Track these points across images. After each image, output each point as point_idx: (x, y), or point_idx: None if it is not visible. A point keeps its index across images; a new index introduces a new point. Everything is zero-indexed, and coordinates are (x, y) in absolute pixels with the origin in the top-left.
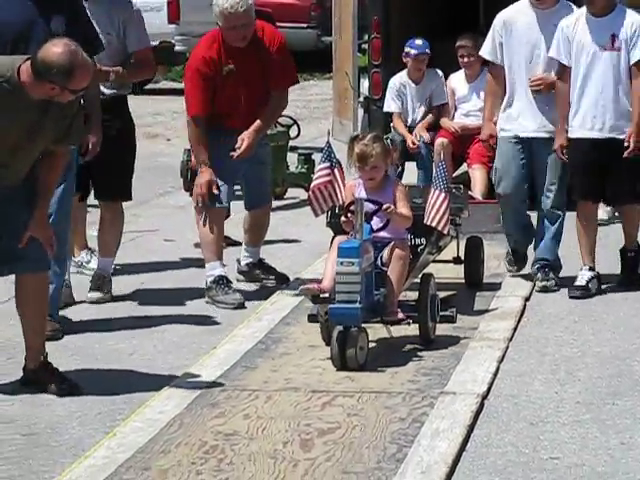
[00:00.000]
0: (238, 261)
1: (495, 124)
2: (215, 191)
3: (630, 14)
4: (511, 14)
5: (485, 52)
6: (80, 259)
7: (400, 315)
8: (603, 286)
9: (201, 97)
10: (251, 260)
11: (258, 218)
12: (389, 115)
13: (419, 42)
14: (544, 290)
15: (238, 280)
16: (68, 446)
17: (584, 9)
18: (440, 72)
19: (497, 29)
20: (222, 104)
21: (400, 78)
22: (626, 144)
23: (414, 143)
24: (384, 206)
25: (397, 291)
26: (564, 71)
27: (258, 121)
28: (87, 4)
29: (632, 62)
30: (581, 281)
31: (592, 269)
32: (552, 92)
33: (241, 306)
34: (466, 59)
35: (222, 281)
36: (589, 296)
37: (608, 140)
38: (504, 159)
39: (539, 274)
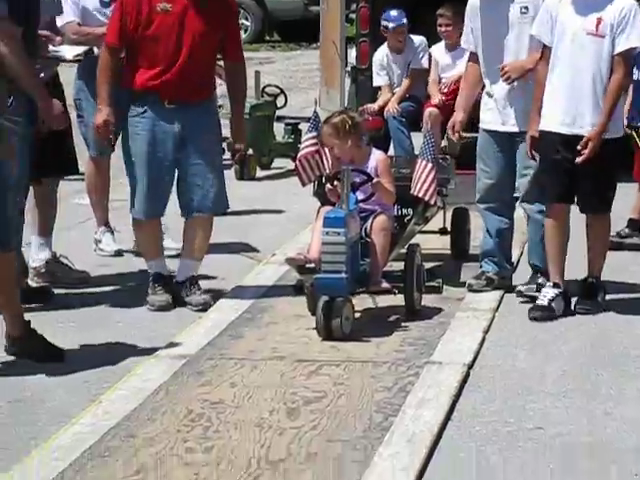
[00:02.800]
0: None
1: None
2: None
3: None
4: None
5: (462, 40)
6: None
7: (385, 285)
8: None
9: (119, 24)
10: (185, 275)
11: (196, 224)
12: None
13: (394, 13)
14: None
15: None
16: (54, 413)
17: None
18: (420, 38)
19: (468, 14)
20: (148, 54)
21: (382, 51)
22: (579, 147)
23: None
24: (374, 181)
25: (382, 261)
26: (545, 52)
27: (236, 105)
28: None
29: (615, 52)
30: (542, 300)
31: (557, 285)
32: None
33: (162, 309)
34: (444, 28)
35: (156, 280)
36: (551, 318)
37: (577, 137)
38: (483, 153)
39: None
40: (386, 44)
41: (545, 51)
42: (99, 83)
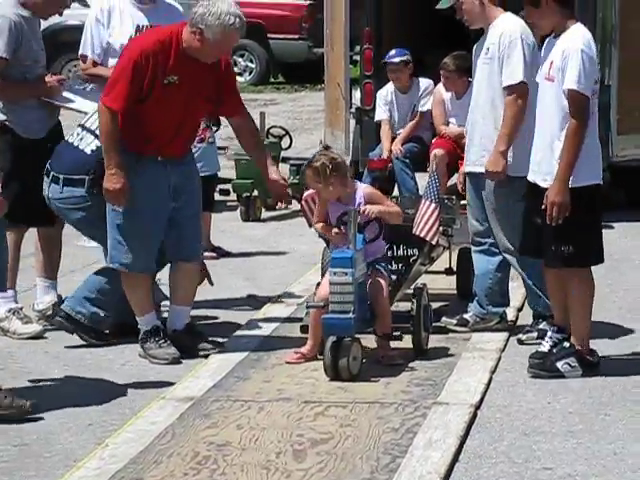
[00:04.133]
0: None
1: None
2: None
3: (569, 37)
4: None
5: None
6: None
7: (395, 334)
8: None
9: (127, 92)
10: (183, 323)
11: (188, 272)
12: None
13: (392, 52)
14: (520, 343)
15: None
16: (60, 457)
17: None
18: (428, 81)
19: None
20: (148, 122)
21: (388, 88)
22: (544, 206)
23: (388, 156)
24: (361, 209)
25: (386, 321)
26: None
27: (266, 155)
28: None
29: (563, 88)
30: (544, 346)
31: (562, 330)
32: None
33: (176, 361)
34: (443, 78)
35: (156, 333)
36: (552, 370)
37: (535, 186)
38: (468, 194)
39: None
40: (392, 83)
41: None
42: (110, 148)
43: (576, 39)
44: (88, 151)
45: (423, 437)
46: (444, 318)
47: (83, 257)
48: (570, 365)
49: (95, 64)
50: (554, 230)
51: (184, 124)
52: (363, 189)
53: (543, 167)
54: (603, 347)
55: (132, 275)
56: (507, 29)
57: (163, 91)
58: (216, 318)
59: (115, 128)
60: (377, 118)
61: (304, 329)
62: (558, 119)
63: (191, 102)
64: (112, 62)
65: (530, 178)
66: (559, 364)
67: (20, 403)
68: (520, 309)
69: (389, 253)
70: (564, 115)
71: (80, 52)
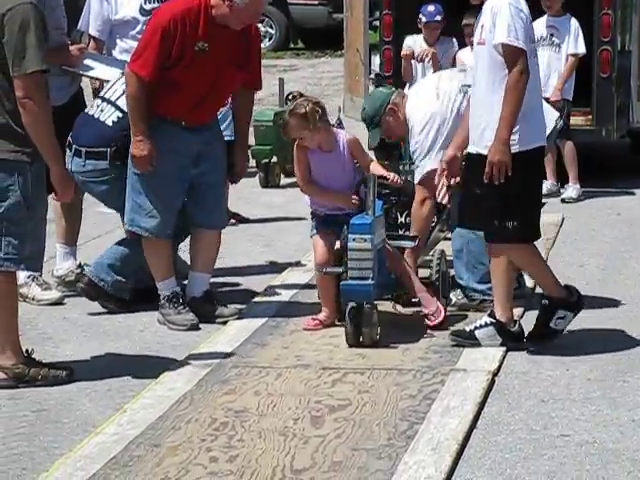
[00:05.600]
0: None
1: None
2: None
3: None
4: None
5: None
6: None
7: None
8: None
9: (155, 58)
10: (202, 290)
11: (209, 239)
12: None
13: (431, 9)
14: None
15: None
16: (78, 422)
17: None
18: (453, 40)
19: None
20: (175, 87)
21: (416, 37)
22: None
23: None
24: (390, 177)
25: (414, 284)
26: None
27: (242, 134)
28: None
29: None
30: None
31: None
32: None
33: (194, 327)
34: (467, 37)
35: (175, 299)
36: (470, 338)
37: (478, 156)
38: None
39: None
40: (421, 35)
41: None
42: (137, 115)
43: None
44: (109, 123)
45: (441, 404)
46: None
47: (103, 223)
48: (489, 334)
49: (97, 42)
50: (499, 203)
51: (213, 91)
52: (345, 136)
53: (486, 135)
54: (622, 314)
55: (153, 240)
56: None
57: (193, 58)
58: (236, 285)
59: (142, 94)
60: (403, 52)
61: None
62: (497, 83)
63: (221, 69)
64: (120, 42)
65: (472, 150)
66: (477, 332)
67: (57, 373)
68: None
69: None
70: (502, 77)
71: (79, 27)
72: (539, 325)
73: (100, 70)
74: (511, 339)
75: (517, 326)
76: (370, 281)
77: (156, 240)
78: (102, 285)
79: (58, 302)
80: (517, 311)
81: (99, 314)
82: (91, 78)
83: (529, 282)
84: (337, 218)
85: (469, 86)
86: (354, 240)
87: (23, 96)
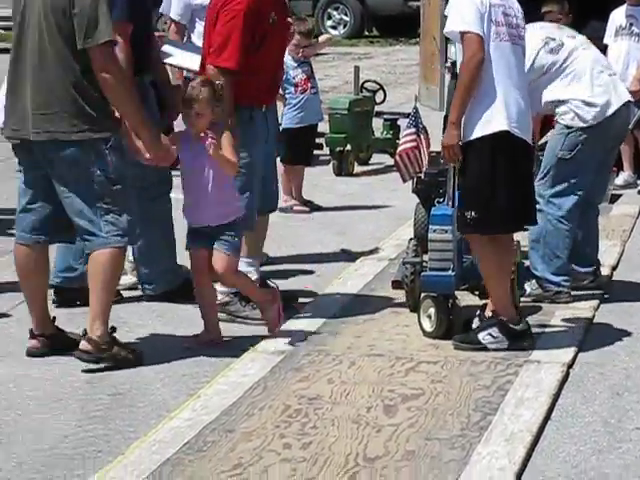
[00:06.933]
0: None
1: None
2: None
3: None
4: None
5: None
6: None
7: None
8: None
9: (240, 45)
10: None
11: (262, 224)
12: None
13: None
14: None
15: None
16: (153, 407)
17: None
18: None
19: None
20: (257, 70)
21: None
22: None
23: None
24: (207, 142)
25: None
26: None
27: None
28: None
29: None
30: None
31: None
32: None
33: None
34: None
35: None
36: (473, 342)
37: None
38: None
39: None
40: None
41: None
42: (230, 111)
43: None
44: None
45: (514, 395)
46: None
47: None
48: (492, 336)
49: (178, 26)
50: (462, 192)
51: (280, 67)
52: (225, 133)
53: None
54: None
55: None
56: None
57: (270, 32)
58: (309, 273)
59: (231, 90)
60: None
61: (396, 284)
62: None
63: (283, 41)
64: (199, 26)
65: None
66: (481, 336)
67: (128, 356)
68: (615, 267)
69: None
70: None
71: (161, 11)
72: (467, 327)
73: (180, 57)
74: (516, 338)
75: (522, 324)
76: (450, 272)
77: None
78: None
79: (132, 287)
80: (591, 303)
81: (175, 301)
82: (170, 65)
83: (605, 269)
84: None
85: None
86: (435, 231)
87: (101, 67)
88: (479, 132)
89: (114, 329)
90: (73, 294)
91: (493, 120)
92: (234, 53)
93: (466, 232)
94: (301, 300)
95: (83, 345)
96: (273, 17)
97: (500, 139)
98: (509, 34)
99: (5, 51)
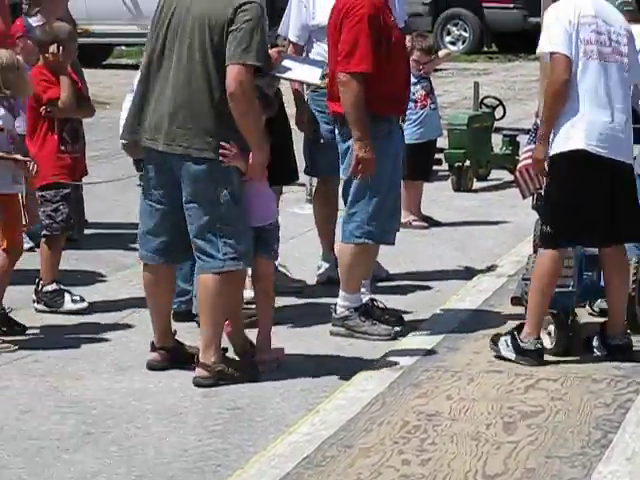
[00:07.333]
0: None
1: None
2: None
3: None
4: None
5: None
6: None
7: None
8: None
9: (371, 50)
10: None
11: None
12: None
13: None
14: None
15: None
16: (272, 421)
17: None
18: None
19: None
20: (391, 77)
21: None
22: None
23: None
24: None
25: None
26: None
27: None
28: None
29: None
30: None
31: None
32: None
33: (396, 335)
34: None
35: (365, 310)
36: (496, 342)
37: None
38: None
39: None
40: None
41: None
42: (362, 117)
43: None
44: None
45: (636, 413)
46: None
47: (298, 224)
48: (507, 343)
49: (295, 47)
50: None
51: (407, 70)
52: None
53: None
54: None
55: (375, 247)
56: None
57: (394, 31)
58: (427, 289)
59: (363, 96)
60: None
61: (515, 301)
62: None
63: (405, 51)
64: (317, 46)
65: None
66: (502, 338)
67: (245, 372)
68: None
69: None
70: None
71: (279, 32)
72: (588, 345)
73: (299, 71)
74: (519, 352)
75: (530, 343)
76: (571, 288)
77: (376, 246)
78: None
79: (252, 301)
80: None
81: (291, 317)
82: (289, 80)
83: None
84: None
85: None
86: None
87: (236, 85)
88: (558, 148)
89: (225, 350)
90: (188, 317)
91: (572, 138)
92: (365, 56)
93: (540, 245)
94: (420, 317)
95: (199, 372)
96: (393, 22)
97: (577, 157)
98: (599, 52)
99: (128, 67)
